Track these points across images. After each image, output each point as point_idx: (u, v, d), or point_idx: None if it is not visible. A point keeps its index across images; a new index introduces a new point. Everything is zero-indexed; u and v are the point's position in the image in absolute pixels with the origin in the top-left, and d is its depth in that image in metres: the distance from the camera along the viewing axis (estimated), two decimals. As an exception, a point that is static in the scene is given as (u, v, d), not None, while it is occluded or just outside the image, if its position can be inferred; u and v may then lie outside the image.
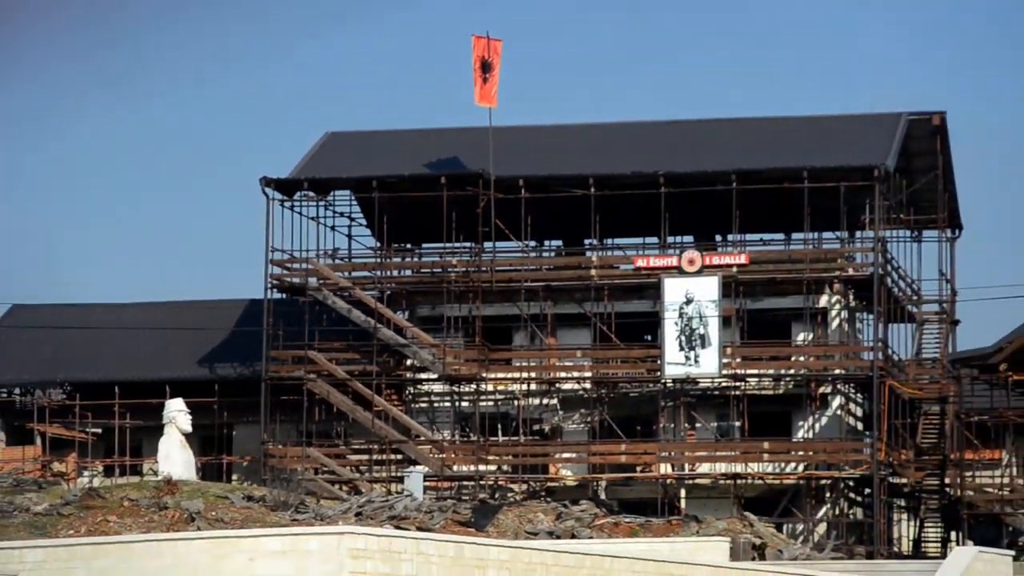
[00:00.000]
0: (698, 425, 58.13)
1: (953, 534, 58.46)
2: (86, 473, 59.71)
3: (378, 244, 60.95)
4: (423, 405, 59.39)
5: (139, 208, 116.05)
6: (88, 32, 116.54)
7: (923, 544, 59.37)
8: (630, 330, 57.71)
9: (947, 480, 59.12)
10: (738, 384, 56.82)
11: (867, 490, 56.27)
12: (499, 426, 58.57)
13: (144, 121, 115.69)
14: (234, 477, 59.93)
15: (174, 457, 49.50)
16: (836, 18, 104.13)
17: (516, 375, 58.52)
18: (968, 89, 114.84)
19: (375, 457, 57.99)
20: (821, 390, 57.41)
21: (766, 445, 56.44)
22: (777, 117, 62.22)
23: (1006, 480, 59.49)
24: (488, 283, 57.81)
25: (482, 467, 56.59)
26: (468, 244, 59.00)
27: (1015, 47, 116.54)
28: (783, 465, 57.01)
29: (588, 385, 58.04)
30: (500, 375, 58.37)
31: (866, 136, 58.40)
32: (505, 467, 57.46)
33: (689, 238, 59.91)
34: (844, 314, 58.29)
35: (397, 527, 42.25)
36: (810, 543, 52.87)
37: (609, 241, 61.09)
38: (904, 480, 58.26)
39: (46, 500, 44.09)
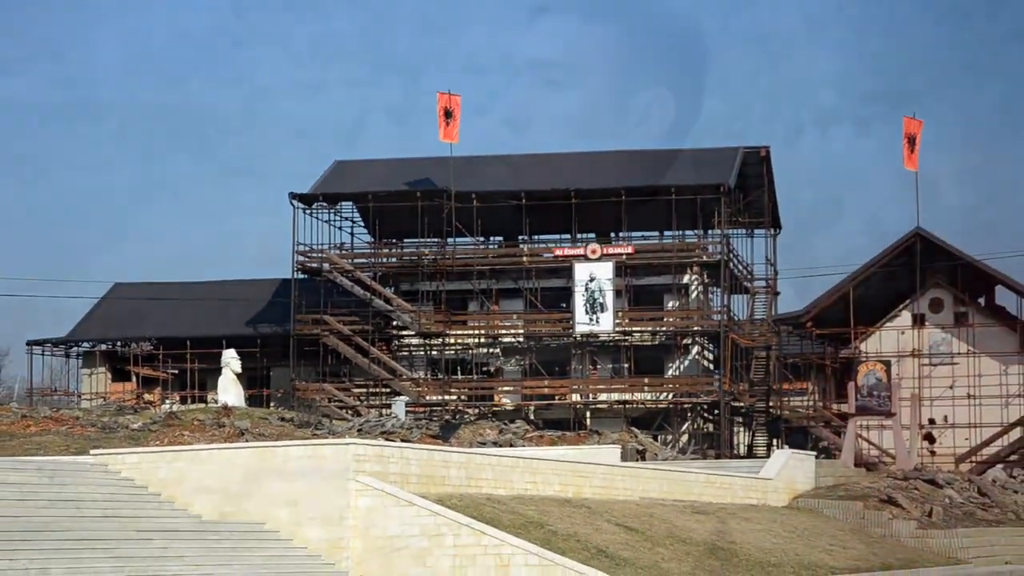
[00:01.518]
0: (599, 366, 58.40)
1: (775, 441, 58.85)
2: (167, 402, 59.38)
3: (372, 240, 60.92)
4: (405, 354, 59.38)
5: (207, 214, 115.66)
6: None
7: (754, 448, 59.70)
8: (551, 300, 57.82)
9: (771, 404, 59.63)
10: (626, 337, 57.14)
11: (716, 411, 56.62)
12: (459, 368, 58.70)
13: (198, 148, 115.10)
14: (271, 404, 59.73)
15: (229, 390, 49.13)
16: (700, 68, 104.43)
17: (471, 332, 58.60)
18: (786, 128, 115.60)
19: (371, 390, 58.03)
20: (684, 341, 57.72)
21: (646, 380, 56.70)
22: (653, 149, 62.28)
23: (810, 403, 60.07)
24: (450, 267, 57.85)
25: (447, 397, 56.73)
26: (436, 239, 58.85)
27: (821, 96, 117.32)
28: (658, 394, 57.25)
29: (521, 339, 58.18)
30: (459, 332, 58.43)
31: (715, 163, 58.48)
32: (463, 397, 57.52)
33: (592, 235, 59.94)
34: (700, 288, 58.53)
35: (387, 439, 42.27)
36: (676, 448, 53.22)
37: (536, 237, 61.12)
38: (741, 404, 58.57)
39: (140, 420, 43.70)
